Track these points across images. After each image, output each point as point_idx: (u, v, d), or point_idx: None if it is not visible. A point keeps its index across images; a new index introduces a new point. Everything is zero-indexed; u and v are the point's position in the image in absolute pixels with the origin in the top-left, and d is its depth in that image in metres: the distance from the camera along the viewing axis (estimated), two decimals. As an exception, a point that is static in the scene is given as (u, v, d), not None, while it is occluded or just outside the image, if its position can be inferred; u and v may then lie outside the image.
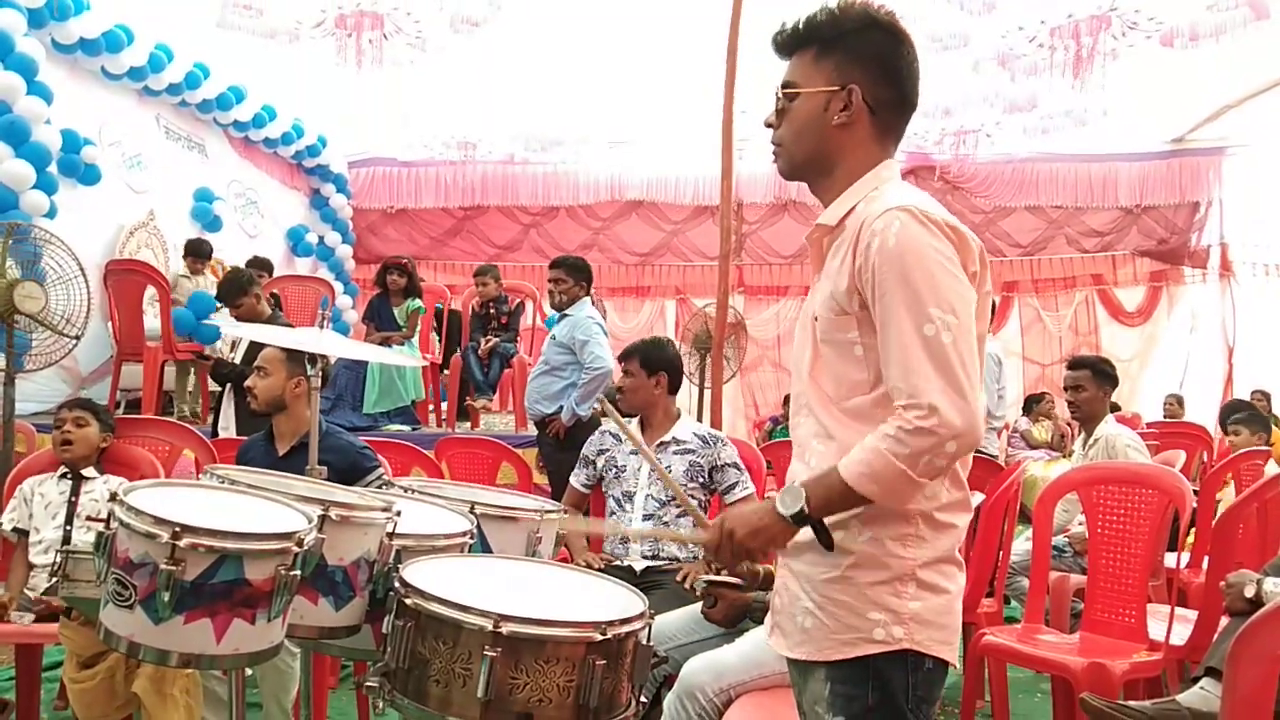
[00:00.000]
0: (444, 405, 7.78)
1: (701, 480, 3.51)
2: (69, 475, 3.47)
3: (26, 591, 3.30)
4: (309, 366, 3.12)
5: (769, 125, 1.66)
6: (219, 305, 7.10)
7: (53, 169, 6.44)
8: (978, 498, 2.33)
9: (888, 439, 1.42)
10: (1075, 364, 4.61)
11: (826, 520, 1.51)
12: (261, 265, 8.17)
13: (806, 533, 1.55)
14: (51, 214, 6.34)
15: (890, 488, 1.43)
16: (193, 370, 7.20)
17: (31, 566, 3.36)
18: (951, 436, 1.40)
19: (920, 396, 1.41)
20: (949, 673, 1.58)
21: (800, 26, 1.61)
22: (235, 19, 7.58)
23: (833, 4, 1.61)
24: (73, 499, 3.42)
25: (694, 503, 2.67)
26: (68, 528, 3.36)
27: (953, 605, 1.54)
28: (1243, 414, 5.74)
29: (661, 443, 3.56)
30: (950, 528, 1.54)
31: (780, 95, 1.63)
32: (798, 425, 1.65)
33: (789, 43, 1.63)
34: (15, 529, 3.41)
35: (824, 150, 1.60)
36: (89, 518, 3.29)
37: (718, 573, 2.72)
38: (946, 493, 1.53)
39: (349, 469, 3.16)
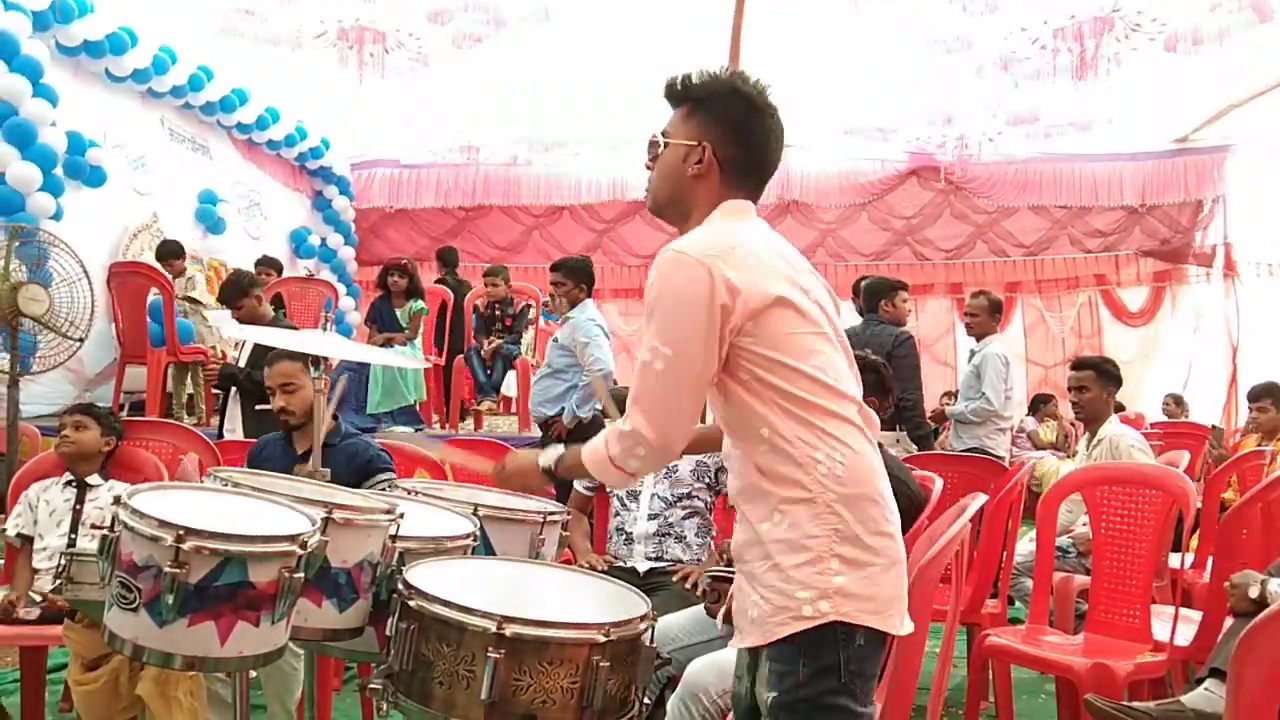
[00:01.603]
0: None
1: (708, 480, 3.51)
2: (74, 482, 3.46)
3: (31, 594, 3.31)
4: (312, 369, 3.13)
5: (647, 167, 1.87)
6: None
7: (58, 171, 6.46)
8: (980, 499, 2.32)
9: (609, 432, 1.74)
10: (1079, 364, 4.60)
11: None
12: (270, 265, 8.18)
13: (748, 533, 1.71)
14: (58, 216, 6.36)
15: (600, 469, 1.75)
16: (190, 373, 7.22)
17: (35, 571, 3.37)
18: (642, 448, 1.68)
19: (629, 407, 1.70)
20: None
21: (680, 85, 1.83)
22: (238, 25, 7.60)
23: (711, 70, 1.82)
24: (77, 506, 3.41)
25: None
26: (72, 535, 3.34)
27: (879, 577, 1.63)
28: (1266, 392, 5.65)
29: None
30: (859, 500, 1.64)
31: (658, 140, 1.84)
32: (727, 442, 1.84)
33: (673, 97, 1.85)
34: (19, 534, 3.41)
35: (680, 195, 1.82)
36: (93, 525, 3.28)
37: (726, 564, 2.73)
38: (841, 466, 1.64)
39: (364, 466, 3.19)
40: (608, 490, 3.66)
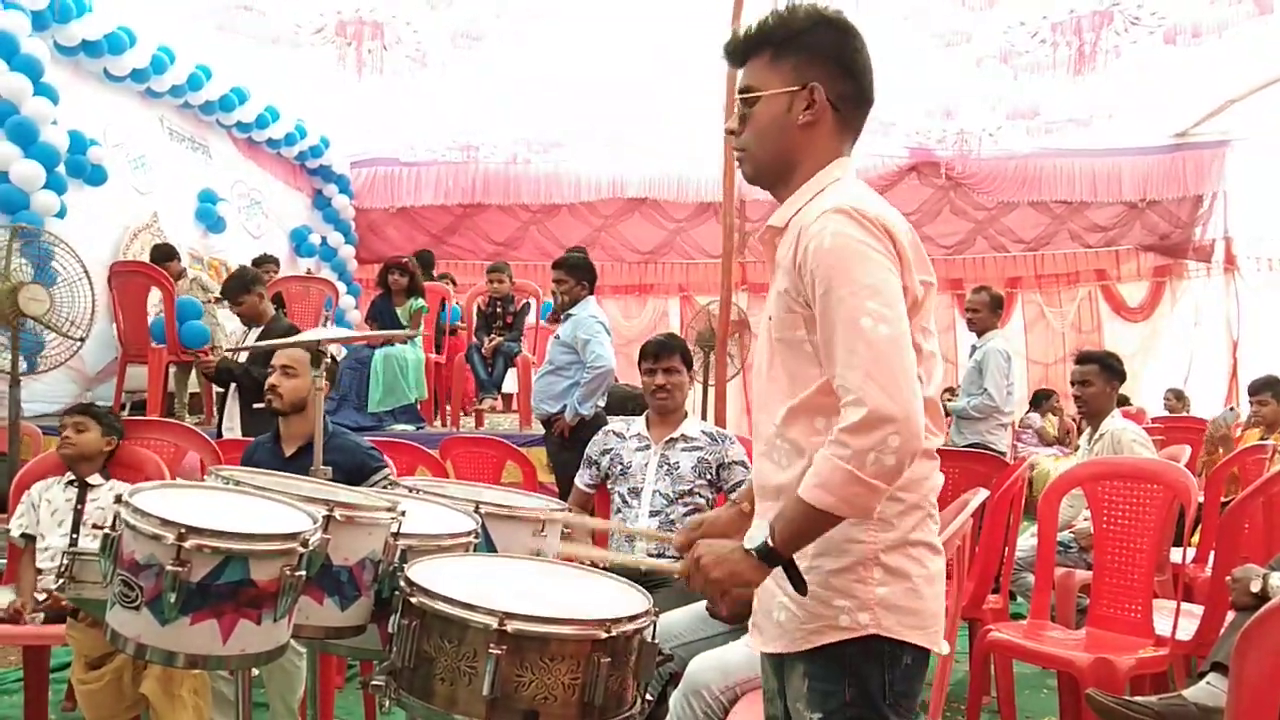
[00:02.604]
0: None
1: (709, 478, 3.51)
2: (75, 482, 3.46)
3: (35, 595, 3.31)
4: (313, 368, 3.12)
5: (731, 133, 1.68)
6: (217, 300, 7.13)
7: (61, 169, 6.46)
8: (982, 494, 2.32)
9: (831, 444, 1.41)
10: (1083, 359, 4.60)
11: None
12: (270, 262, 8.18)
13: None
14: (62, 214, 6.36)
15: (843, 494, 1.39)
16: (193, 371, 7.22)
17: (38, 571, 3.37)
18: (890, 429, 1.37)
19: (854, 390, 1.40)
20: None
21: (751, 31, 1.62)
22: (236, 21, 7.58)
23: (779, 8, 1.63)
24: (79, 506, 3.41)
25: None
26: (74, 535, 3.34)
27: (923, 589, 1.53)
28: (1266, 385, 5.63)
29: (670, 439, 3.56)
30: (913, 508, 1.54)
31: (740, 102, 1.64)
32: (760, 423, 1.66)
33: (742, 49, 1.65)
34: (23, 534, 3.41)
35: (788, 151, 1.61)
36: (95, 525, 3.28)
37: None
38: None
39: (356, 469, 3.16)
40: (609, 485, 3.65)
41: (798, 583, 1.48)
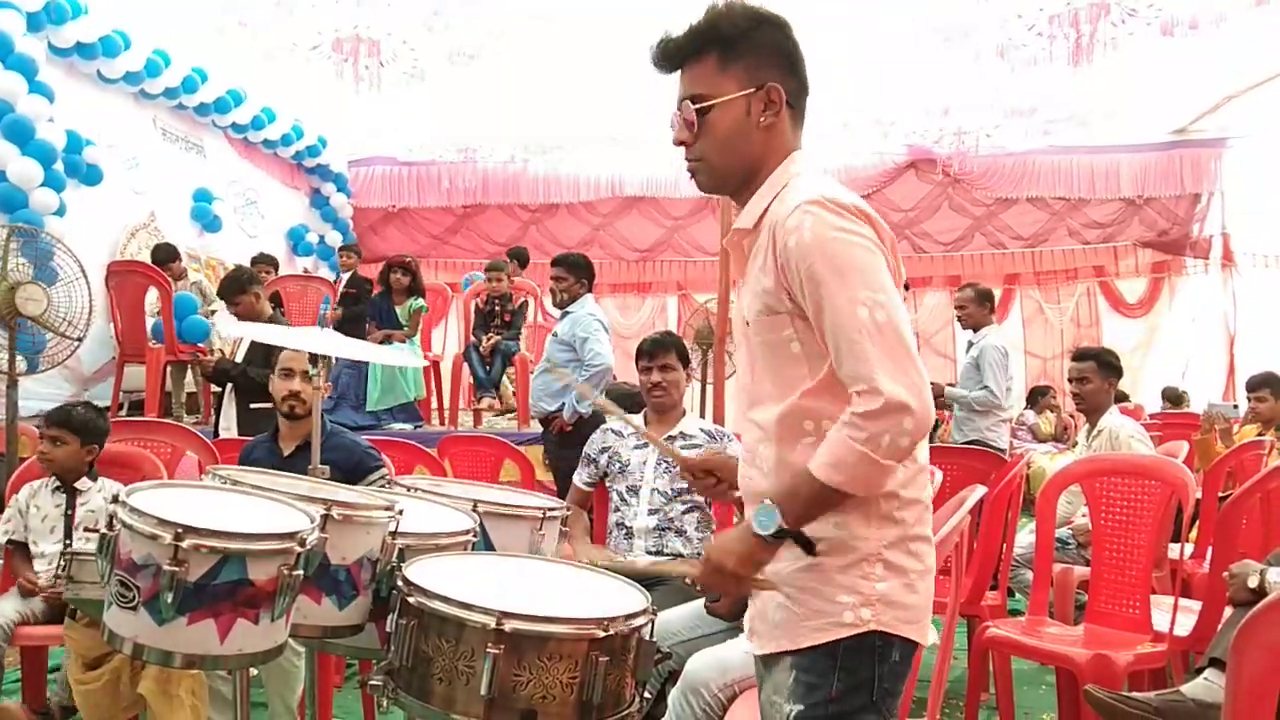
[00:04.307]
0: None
1: (708, 477, 3.50)
2: (61, 488, 3.38)
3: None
4: (311, 367, 3.12)
5: (681, 143, 1.63)
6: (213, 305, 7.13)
7: (59, 166, 6.45)
8: (980, 491, 2.32)
9: (846, 426, 1.42)
10: (1080, 355, 4.59)
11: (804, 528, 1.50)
12: (267, 262, 8.17)
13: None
14: (61, 212, 6.35)
15: (855, 474, 1.41)
16: (189, 371, 7.21)
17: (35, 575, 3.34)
18: (905, 415, 1.39)
19: (865, 380, 1.41)
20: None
21: (692, 35, 1.59)
22: (233, 37, 7.60)
23: (712, 8, 1.59)
24: (69, 512, 3.35)
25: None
26: (67, 541, 3.25)
27: (918, 584, 1.53)
28: (1264, 381, 5.63)
29: (669, 437, 3.55)
30: (914, 503, 1.54)
31: (689, 110, 1.59)
32: (745, 430, 1.65)
33: (680, 53, 1.61)
34: (10, 540, 3.35)
35: (753, 155, 1.59)
36: (87, 529, 3.25)
37: None
38: (902, 468, 1.50)
39: (353, 468, 3.16)
40: (608, 484, 3.65)
41: (808, 545, 1.50)
